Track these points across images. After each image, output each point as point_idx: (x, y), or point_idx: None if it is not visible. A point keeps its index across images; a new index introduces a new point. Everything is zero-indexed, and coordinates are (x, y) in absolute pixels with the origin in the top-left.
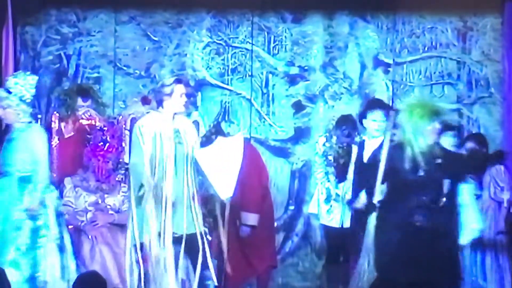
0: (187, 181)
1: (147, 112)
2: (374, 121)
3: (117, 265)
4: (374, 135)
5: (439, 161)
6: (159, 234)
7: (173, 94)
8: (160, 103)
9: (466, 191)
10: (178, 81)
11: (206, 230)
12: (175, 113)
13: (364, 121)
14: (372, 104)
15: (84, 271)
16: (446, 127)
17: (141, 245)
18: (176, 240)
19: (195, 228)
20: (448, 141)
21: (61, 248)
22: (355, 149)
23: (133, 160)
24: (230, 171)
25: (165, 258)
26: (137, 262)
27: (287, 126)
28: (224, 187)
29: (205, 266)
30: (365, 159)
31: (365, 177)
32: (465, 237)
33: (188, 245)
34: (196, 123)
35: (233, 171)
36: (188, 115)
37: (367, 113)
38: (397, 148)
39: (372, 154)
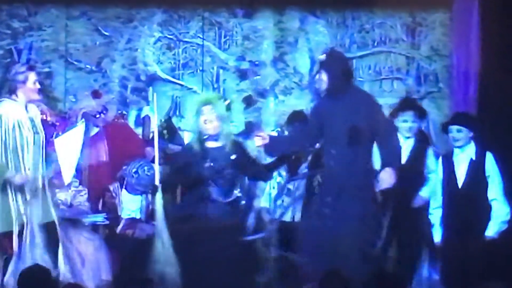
0: (43, 170)
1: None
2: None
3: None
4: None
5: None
6: (21, 224)
7: (27, 81)
8: (14, 91)
9: None
10: (30, 68)
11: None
12: (28, 102)
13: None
14: (404, 104)
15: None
16: None
17: (6, 234)
18: (38, 228)
19: (52, 217)
20: None
21: None
22: None
23: None
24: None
25: (27, 246)
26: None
27: (238, 120)
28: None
29: (65, 253)
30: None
31: None
32: None
33: (47, 234)
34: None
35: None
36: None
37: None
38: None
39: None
